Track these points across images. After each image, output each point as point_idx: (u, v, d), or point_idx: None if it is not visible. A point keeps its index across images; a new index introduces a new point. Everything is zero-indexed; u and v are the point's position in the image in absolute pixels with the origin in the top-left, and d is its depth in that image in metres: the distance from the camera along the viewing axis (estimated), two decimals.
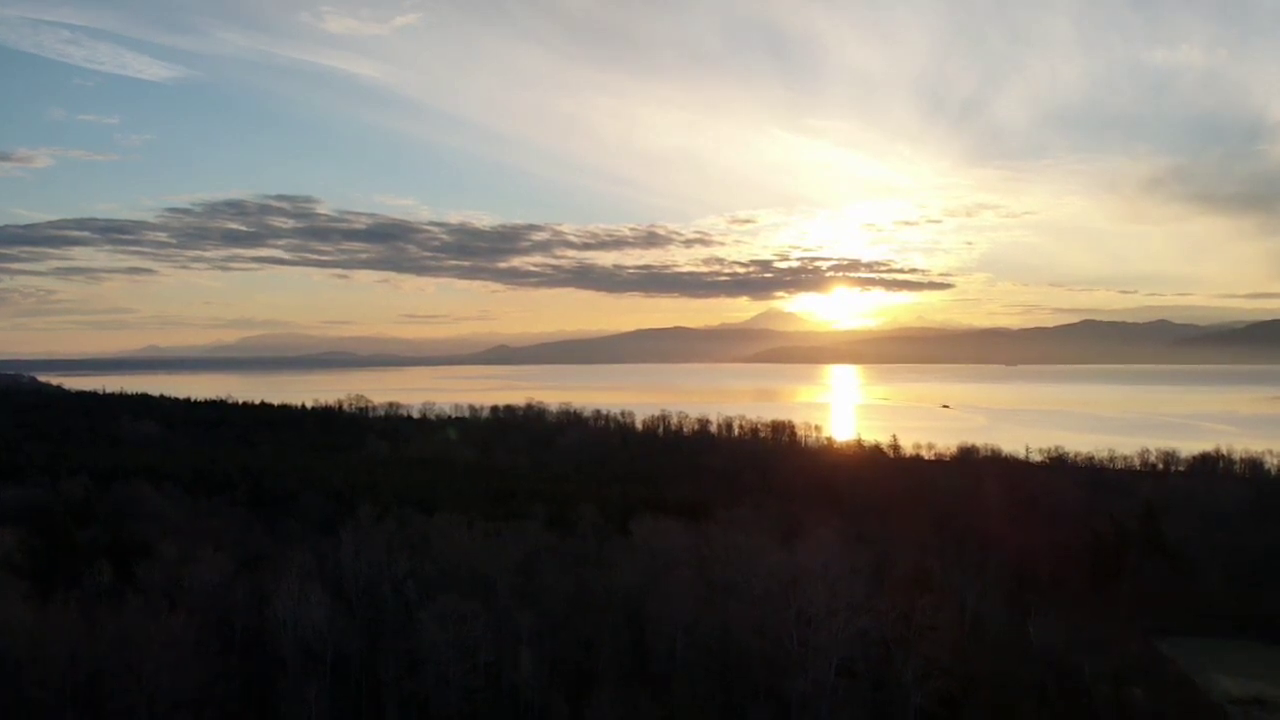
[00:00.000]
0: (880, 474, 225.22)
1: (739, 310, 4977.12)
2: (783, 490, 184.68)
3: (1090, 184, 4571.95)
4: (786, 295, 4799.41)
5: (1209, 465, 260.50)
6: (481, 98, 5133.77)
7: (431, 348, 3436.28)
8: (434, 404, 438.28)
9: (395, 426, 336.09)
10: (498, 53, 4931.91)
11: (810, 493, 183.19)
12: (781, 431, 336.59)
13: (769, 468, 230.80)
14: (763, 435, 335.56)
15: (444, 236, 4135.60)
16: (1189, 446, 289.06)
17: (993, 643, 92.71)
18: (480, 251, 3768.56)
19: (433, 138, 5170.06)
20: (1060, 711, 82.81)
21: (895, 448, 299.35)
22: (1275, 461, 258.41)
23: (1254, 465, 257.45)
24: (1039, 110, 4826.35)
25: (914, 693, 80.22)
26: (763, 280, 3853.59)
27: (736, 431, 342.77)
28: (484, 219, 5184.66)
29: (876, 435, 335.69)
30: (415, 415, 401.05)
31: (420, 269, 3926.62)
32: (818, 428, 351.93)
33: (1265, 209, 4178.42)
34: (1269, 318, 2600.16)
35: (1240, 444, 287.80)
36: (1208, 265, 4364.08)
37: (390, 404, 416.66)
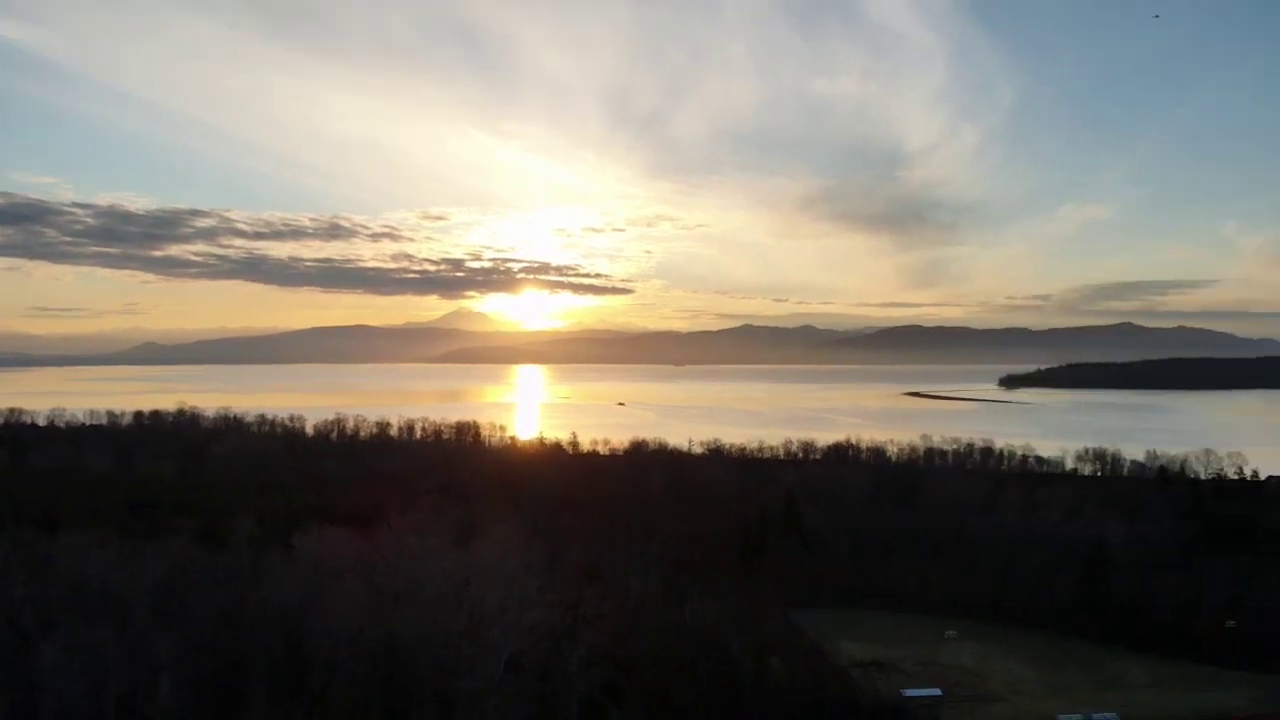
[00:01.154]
0: (559, 470, 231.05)
1: (428, 309, 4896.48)
2: (463, 491, 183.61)
3: (754, 200, 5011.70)
4: (477, 295, 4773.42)
5: (841, 454, 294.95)
6: (144, 68, 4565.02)
7: (66, 345, 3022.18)
8: (64, 409, 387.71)
9: (16, 434, 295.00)
10: (165, 20, 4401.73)
11: (491, 492, 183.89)
12: (466, 432, 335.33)
13: (451, 469, 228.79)
14: (446, 437, 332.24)
15: (88, 220, 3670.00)
16: (825, 437, 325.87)
17: (651, 626, 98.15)
18: (131, 237, 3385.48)
19: (84, 110, 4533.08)
20: (709, 686, 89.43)
21: (574, 444, 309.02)
22: (895, 450, 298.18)
23: (878, 453, 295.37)
24: (713, 128, 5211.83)
25: (579, 681, 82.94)
26: (454, 279, 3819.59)
27: (419, 434, 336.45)
28: (139, 201, 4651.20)
29: (557, 433, 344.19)
30: (41, 423, 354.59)
31: (57, 255, 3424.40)
32: (502, 427, 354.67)
33: (900, 229, 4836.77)
34: (896, 324, 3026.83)
35: (867, 435, 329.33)
36: (849, 277, 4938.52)
37: (11, 410, 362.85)
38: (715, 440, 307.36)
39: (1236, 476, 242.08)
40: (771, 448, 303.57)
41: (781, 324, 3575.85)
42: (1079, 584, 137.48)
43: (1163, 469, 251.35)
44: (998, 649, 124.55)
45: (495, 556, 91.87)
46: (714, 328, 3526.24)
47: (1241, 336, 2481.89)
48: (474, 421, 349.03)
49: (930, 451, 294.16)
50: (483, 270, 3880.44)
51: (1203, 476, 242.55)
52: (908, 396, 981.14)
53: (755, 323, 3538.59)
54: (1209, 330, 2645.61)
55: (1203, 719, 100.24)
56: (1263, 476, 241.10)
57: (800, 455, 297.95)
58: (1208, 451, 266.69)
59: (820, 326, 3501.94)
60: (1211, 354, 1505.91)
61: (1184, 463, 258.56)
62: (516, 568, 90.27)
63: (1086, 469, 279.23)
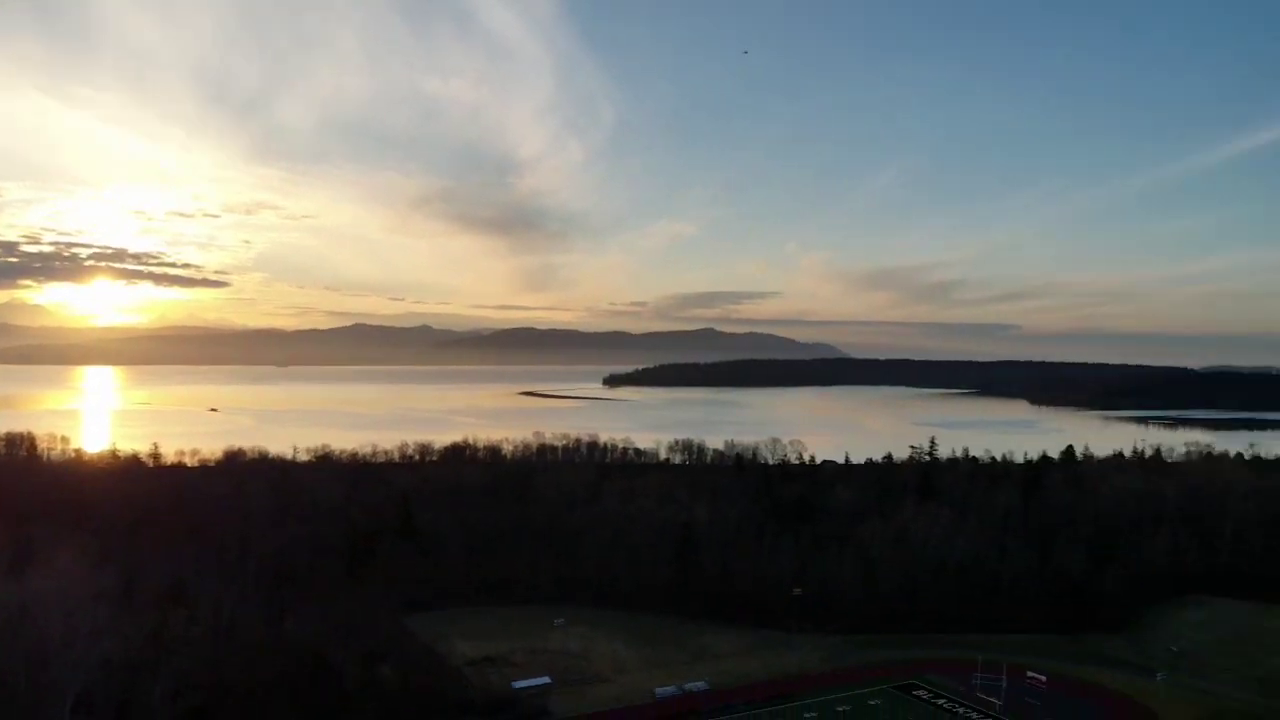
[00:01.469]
0: (136, 486, 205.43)
1: None
2: (16, 513, 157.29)
3: (366, 195, 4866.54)
4: (34, 284, 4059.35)
5: (458, 453, 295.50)
6: None
7: None
8: None
9: None
10: None
11: (51, 513, 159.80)
12: (17, 445, 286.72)
13: None
14: None
15: None
16: (442, 438, 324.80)
17: (247, 645, 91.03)
18: None
19: None
20: (313, 701, 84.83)
21: (155, 456, 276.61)
22: (510, 448, 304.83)
23: (494, 451, 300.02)
24: (322, 116, 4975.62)
25: (162, 713, 74.75)
26: (4, 265, 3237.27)
27: None
28: None
29: (135, 443, 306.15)
30: None
31: None
32: (64, 439, 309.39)
33: (512, 233, 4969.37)
34: (511, 326, 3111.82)
35: (484, 434, 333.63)
36: (465, 278, 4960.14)
37: None
38: (323, 446, 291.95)
39: (798, 461, 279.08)
40: (386, 451, 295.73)
41: (397, 323, 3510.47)
42: (674, 565, 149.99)
43: (739, 456, 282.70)
44: (602, 632, 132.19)
45: (56, 585, 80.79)
46: (323, 326, 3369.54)
47: (800, 341, 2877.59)
48: (28, 432, 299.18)
49: (543, 448, 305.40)
50: (41, 256, 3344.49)
51: (771, 462, 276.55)
52: (522, 396, 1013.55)
53: (369, 321, 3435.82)
54: (774, 335, 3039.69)
55: (782, 680, 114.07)
56: (818, 461, 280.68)
57: (417, 457, 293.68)
58: (774, 440, 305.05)
59: (437, 327, 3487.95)
60: (776, 356, 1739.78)
61: (756, 450, 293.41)
62: (83, 596, 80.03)
63: (677, 458, 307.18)
